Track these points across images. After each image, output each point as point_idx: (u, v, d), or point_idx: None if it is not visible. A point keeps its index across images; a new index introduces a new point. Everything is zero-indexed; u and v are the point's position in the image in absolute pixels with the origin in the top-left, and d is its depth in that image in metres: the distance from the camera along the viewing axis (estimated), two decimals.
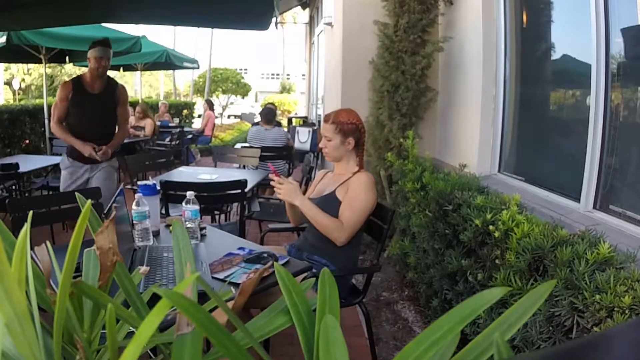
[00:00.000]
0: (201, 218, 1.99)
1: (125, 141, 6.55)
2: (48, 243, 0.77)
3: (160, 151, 6.26)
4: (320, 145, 2.17)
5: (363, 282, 2.20)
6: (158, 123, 7.58)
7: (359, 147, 2.14)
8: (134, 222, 1.82)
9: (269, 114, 5.15)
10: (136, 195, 1.86)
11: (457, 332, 0.62)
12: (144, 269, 1.01)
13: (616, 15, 2.00)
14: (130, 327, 0.75)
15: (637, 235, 1.77)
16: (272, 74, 34.30)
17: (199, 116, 12.33)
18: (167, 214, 2.74)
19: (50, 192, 4.57)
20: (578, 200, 2.17)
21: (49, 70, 15.09)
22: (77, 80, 3.16)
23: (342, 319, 0.73)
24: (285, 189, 2.01)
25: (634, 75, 2.02)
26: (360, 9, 4.15)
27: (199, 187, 2.86)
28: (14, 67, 20.87)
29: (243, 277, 1.52)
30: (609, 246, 1.42)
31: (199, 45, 20.77)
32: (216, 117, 11.18)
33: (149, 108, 7.59)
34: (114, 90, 3.26)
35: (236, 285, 1.47)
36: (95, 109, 3.13)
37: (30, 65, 20.20)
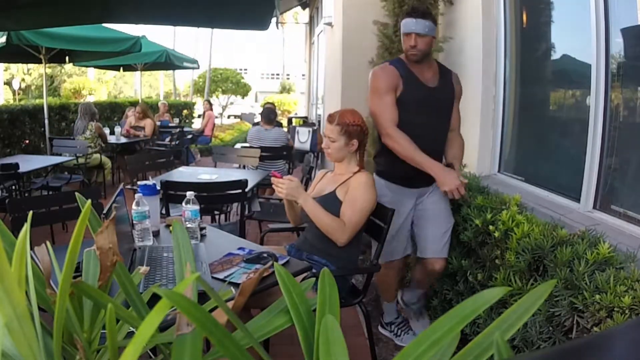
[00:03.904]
0: (201, 218, 1.99)
1: (125, 141, 6.56)
2: (48, 243, 0.77)
3: (160, 151, 6.26)
4: (323, 145, 2.15)
5: (363, 282, 2.20)
6: (158, 123, 7.58)
7: (361, 147, 2.14)
8: (134, 222, 1.82)
9: (270, 114, 5.14)
10: (136, 195, 1.85)
11: (457, 332, 0.62)
12: (144, 269, 1.01)
13: (616, 15, 2.00)
14: (130, 327, 0.75)
15: (637, 235, 1.77)
16: (272, 74, 34.31)
17: (199, 116, 12.34)
18: (167, 214, 2.74)
19: (50, 192, 4.58)
20: (578, 200, 2.17)
21: (49, 70, 15.11)
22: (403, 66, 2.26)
23: (342, 319, 0.73)
24: (288, 186, 1.99)
25: (634, 75, 2.02)
26: (360, 9, 4.16)
27: (199, 187, 2.86)
28: (14, 67, 20.88)
29: (243, 277, 1.52)
30: (609, 246, 1.42)
31: (199, 45, 20.79)
32: (216, 117, 11.18)
33: (149, 108, 7.59)
34: (450, 79, 2.35)
35: (236, 285, 1.47)
36: (430, 107, 2.23)
37: (30, 65, 20.21)
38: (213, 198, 2.97)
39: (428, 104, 2.21)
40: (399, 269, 2.44)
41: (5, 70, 20.29)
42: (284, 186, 1.99)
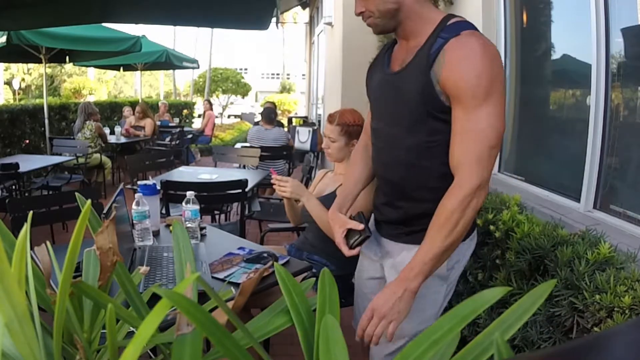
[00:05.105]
0: (201, 218, 1.99)
1: (125, 141, 6.56)
2: (48, 243, 0.77)
3: (160, 151, 6.26)
4: (323, 146, 2.15)
5: None
6: (158, 123, 7.59)
7: None
8: (134, 222, 1.83)
9: (271, 114, 5.14)
10: (136, 195, 1.86)
11: (457, 332, 0.62)
12: (144, 269, 1.01)
13: (616, 15, 2.00)
14: (130, 327, 0.75)
15: (637, 235, 1.77)
16: (272, 74, 34.35)
17: (199, 116, 12.35)
18: (167, 214, 2.75)
19: (50, 192, 4.58)
20: (578, 200, 2.17)
21: (49, 70, 15.12)
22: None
23: (342, 319, 0.73)
24: (292, 186, 1.97)
25: (634, 75, 2.02)
26: None
27: (199, 187, 2.86)
28: (14, 67, 20.91)
29: (243, 277, 1.52)
30: (609, 246, 1.42)
31: (199, 45, 20.81)
32: (216, 117, 11.19)
33: (149, 108, 7.59)
34: (431, 57, 1.23)
35: (236, 285, 1.47)
36: (388, 104, 1.34)
37: (30, 65, 20.23)
38: (213, 198, 2.97)
39: (381, 99, 1.35)
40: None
41: (5, 70, 20.31)
42: (288, 184, 1.98)
